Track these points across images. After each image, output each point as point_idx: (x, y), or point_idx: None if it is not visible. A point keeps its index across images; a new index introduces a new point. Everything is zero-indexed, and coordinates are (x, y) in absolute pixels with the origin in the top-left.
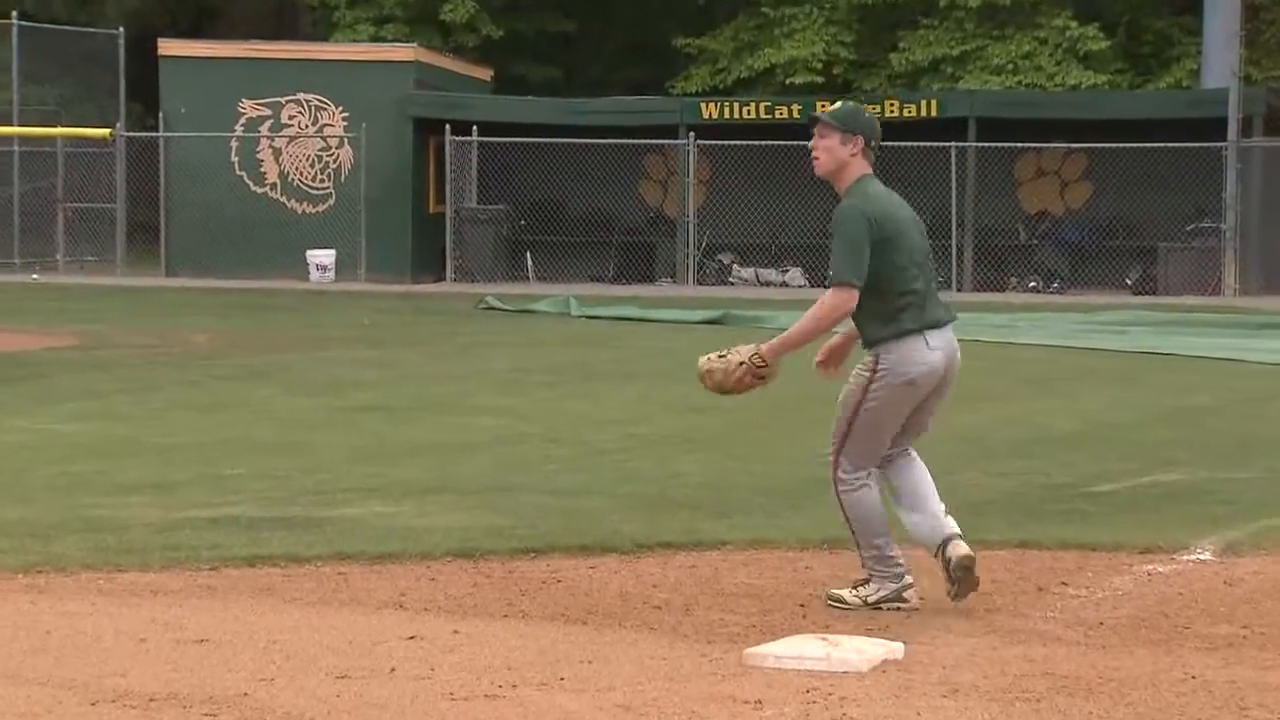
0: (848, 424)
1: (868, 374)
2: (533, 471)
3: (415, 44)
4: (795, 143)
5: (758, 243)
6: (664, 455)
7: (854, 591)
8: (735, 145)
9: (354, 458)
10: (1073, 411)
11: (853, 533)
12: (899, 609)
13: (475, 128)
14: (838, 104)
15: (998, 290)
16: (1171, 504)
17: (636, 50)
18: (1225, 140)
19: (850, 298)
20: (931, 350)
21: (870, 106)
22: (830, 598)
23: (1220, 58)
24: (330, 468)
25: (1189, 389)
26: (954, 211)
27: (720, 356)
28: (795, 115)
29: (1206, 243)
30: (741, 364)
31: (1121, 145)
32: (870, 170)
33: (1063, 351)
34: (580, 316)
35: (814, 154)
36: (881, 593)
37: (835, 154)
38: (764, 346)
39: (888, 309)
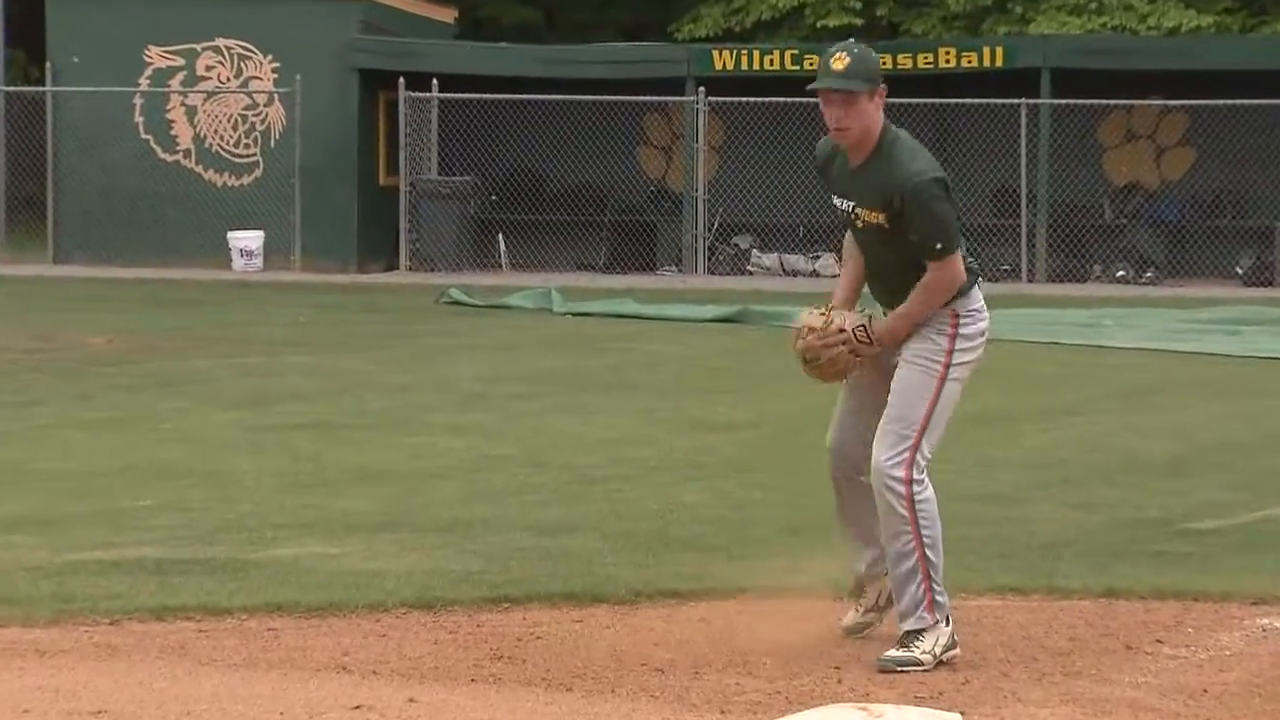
0: (930, 405)
1: (945, 337)
2: (507, 503)
3: None
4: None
5: (782, 223)
6: (667, 484)
7: (917, 648)
8: (755, 103)
9: (286, 486)
10: (1171, 430)
11: (924, 553)
12: (952, 659)
13: (435, 81)
14: (841, 54)
15: (1078, 281)
16: None
17: None
18: None
19: (960, 268)
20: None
21: (922, 56)
22: (887, 664)
23: None
24: (257, 499)
25: None
26: (1024, 184)
27: (821, 314)
28: None
29: None
30: (842, 332)
31: (1231, 103)
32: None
33: (1158, 356)
34: (564, 314)
35: (840, 127)
36: (942, 640)
37: (868, 117)
38: (877, 323)
39: None
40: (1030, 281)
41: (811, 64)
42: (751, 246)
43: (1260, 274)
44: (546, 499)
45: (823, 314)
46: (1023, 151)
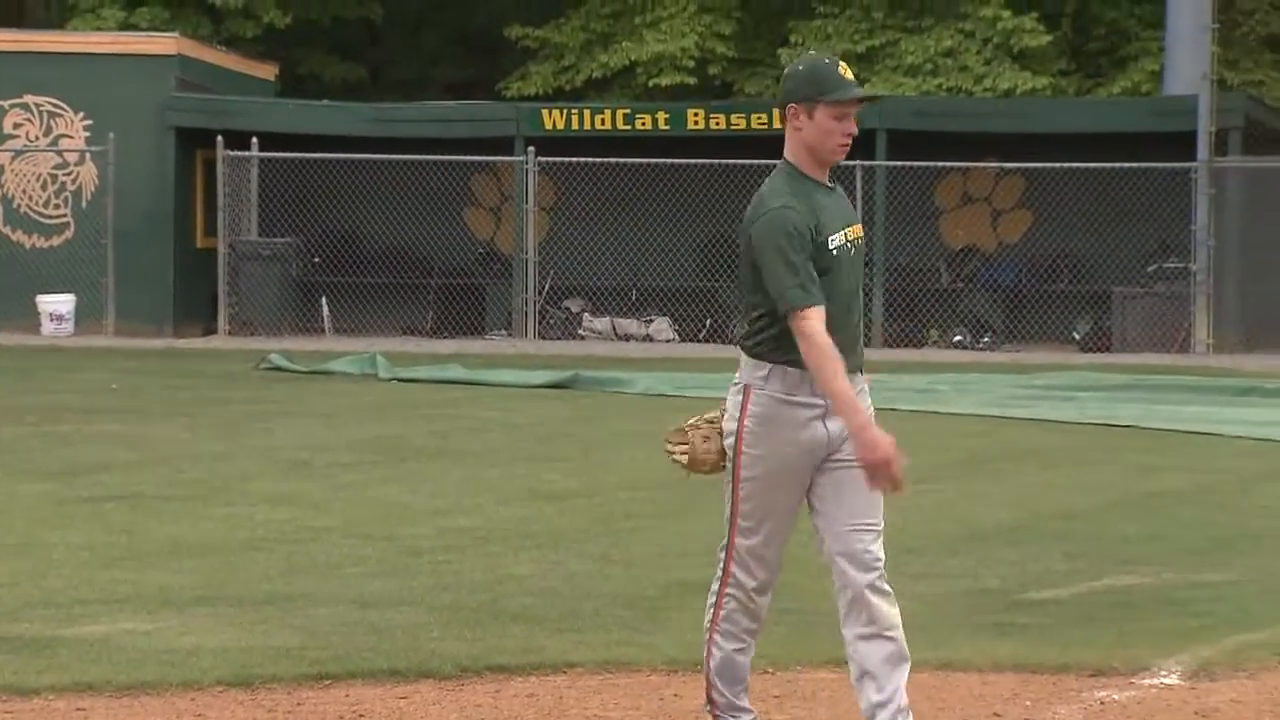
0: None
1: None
2: (329, 576)
3: (177, 33)
4: (662, 160)
5: (614, 286)
6: (496, 555)
7: None
8: (586, 163)
9: (97, 560)
10: (1009, 499)
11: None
12: None
13: (255, 140)
14: (843, 64)
15: (914, 346)
16: (1131, 614)
17: (461, 43)
18: (1194, 160)
19: None
20: None
21: (755, 116)
22: None
23: (1188, 57)
24: (66, 573)
25: (1153, 470)
26: None
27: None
28: (662, 125)
29: (1173, 287)
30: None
31: (1067, 165)
32: None
33: (996, 423)
34: (390, 380)
35: (849, 138)
36: None
37: None
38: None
39: None
40: (865, 346)
41: (644, 124)
42: (583, 310)
43: (1097, 339)
44: (370, 571)
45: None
46: (858, 214)
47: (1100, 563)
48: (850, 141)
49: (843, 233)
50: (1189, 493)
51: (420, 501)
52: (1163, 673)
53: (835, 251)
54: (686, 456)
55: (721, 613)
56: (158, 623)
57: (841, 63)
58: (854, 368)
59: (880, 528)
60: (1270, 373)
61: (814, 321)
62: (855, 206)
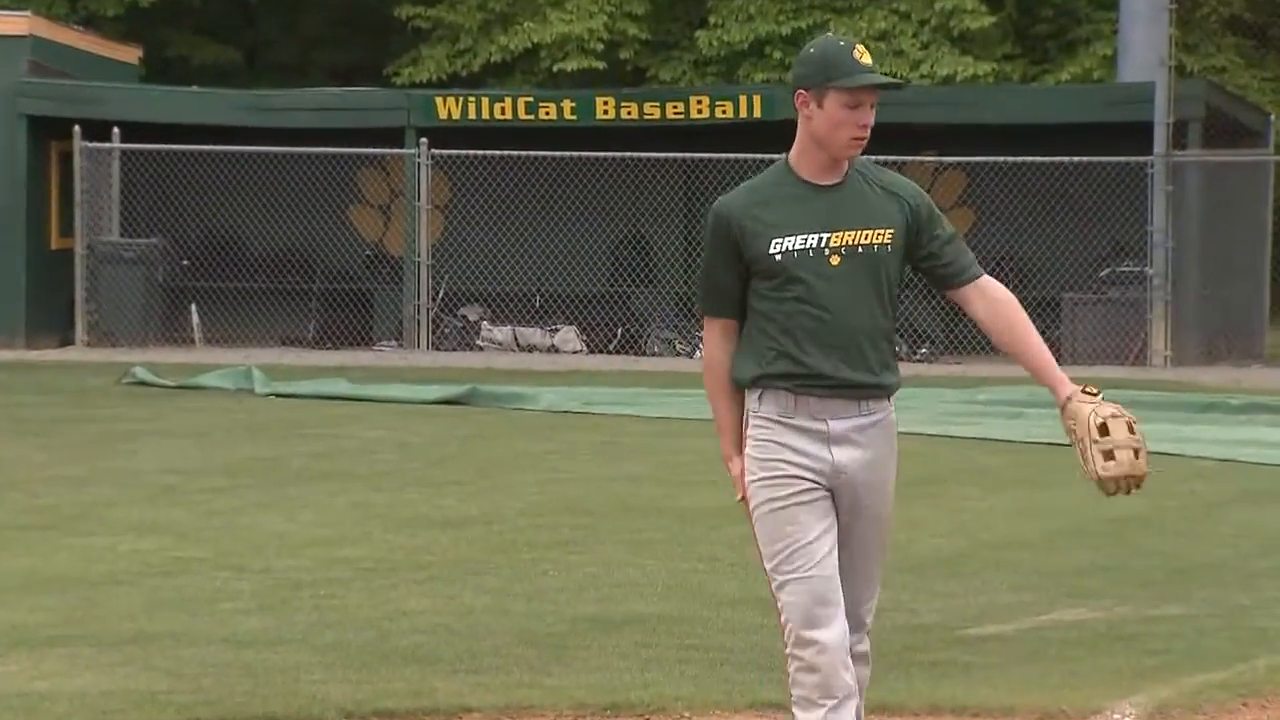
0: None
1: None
2: (200, 613)
3: (29, 11)
4: (568, 153)
5: (516, 292)
6: (385, 589)
7: None
8: (485, 156)
9: None
10: (950, 525)
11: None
12: None
13: (117, 130)
14: (860, 46)
15: None
16: (1082, 651)
17: (346, 23)
18: (1151, 154)
19: None
20: None
21: (671, 105)
22: None
23: (1143, 40)
24: None
25: None
26: None
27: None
28: (568, 115)
29: (1127, 293)
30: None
31: (1011, 159)
32: None
33: (937, 442)
34: (268, 395)
35: (869, 132)
36: None
37: None
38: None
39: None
40: None
41: (548, 114)
42: (481, 318)
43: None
44: (246, 607)
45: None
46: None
47: (1049, 595)
48: (866, 135)
49: (822, 235)
50: (1146, 518)
51: (300, 530)
52: (1115, 715)
53: (782, 257)
54: (1120, 470)
55: (788, 677)
56: (7, 664)
57: (860, 45)
58: (853, 388)
59: (877, 590)
60: (1233, 387)
61: (708, 331)
62: None
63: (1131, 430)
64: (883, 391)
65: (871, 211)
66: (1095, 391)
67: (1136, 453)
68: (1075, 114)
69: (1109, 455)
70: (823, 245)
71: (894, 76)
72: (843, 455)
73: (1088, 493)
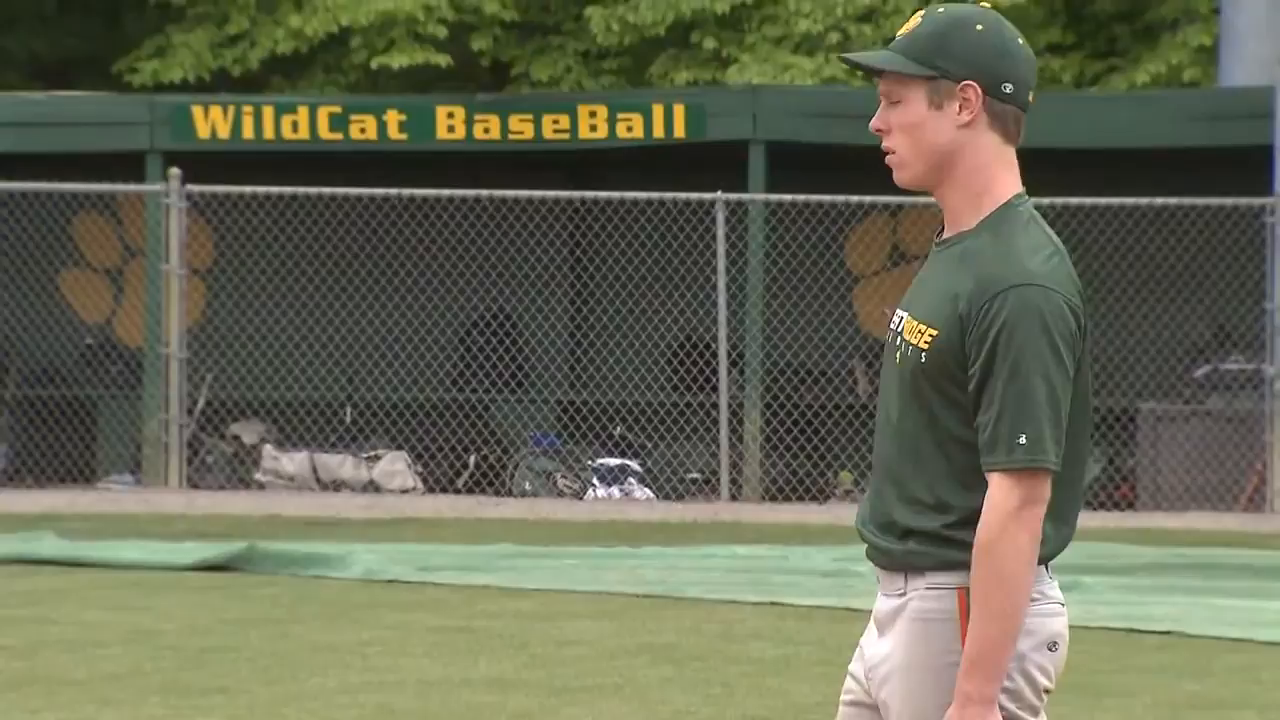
0: None
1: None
2: None
3: None
4: (395, 191)
5: (315, 400)
6: None
7: None
8: (267, 195)
9: None
10: None
11: None
12: None
13: None
14: (923, 14)
15: (813, 498)
16: None
17: (64, 6)
18: (1272, 195)
19: (1045, 494)
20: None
21: (550, 120)
22: None
23: (1260, 25)
24: None
25: (1206, 704)
26: (723, 331)
27: None
28: (395, 134)
29: (1236, 403)
30: None
31: (1060, 202)
32: (1018, 176)
33: None
34: None
35: (888, 148)
36: None
37: (929, 132)
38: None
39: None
40: (735, 498)
41: (363, 130)
42: (263, 441)
43: (1114, 488)
44: None
45: None
46: (720, 275)
47: None
48: (884, 145)
49: (899, 315)
50: None
51: None
52: None
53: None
54: None
55: None
56: None
57: (922, 11)
58: (869, 546)
59: None
60: None
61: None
62: (716, 264)
63: None
64: (885, 559)
65: (932, 294)
66: None
67: None
68: (1156, 135)
69: None
70: (894, 333)
71: (841, 79)
72: (876, 651)
73: (1179, 702)
